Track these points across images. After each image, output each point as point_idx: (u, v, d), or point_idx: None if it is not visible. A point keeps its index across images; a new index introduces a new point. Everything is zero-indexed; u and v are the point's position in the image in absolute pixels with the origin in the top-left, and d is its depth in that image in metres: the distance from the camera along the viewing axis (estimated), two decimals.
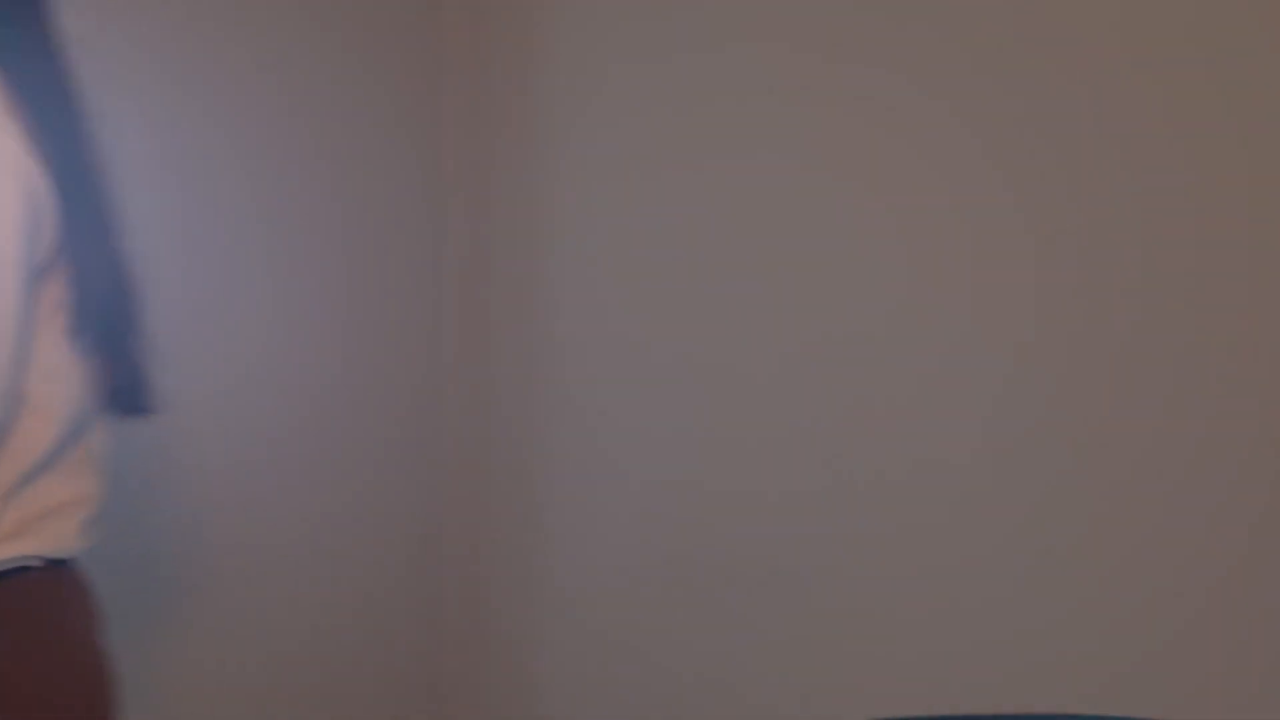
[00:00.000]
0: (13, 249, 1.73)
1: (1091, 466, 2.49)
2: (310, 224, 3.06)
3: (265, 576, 3.02)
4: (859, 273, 2.71)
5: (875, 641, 2.70)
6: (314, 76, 3.06)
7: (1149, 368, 2.44)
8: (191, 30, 2.92)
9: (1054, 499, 2.52)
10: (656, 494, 2.95)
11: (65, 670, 1.82)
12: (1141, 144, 2.44)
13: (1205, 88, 2.39)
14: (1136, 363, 2.45)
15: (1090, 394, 2.49)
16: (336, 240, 3.09)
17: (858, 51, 2.70)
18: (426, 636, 3.20)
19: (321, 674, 3.08)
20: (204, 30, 2.93)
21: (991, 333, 2.58)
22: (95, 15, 2.81)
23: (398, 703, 3.17)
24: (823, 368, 2.75)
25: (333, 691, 3.10)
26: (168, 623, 2.92)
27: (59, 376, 1.81)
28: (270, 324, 3.02)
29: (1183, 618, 2.42)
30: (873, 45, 2.69)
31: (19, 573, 1.80)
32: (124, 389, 1.91)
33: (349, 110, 3.10)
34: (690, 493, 2.91)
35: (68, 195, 1.79)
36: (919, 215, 2.65)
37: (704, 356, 2.89)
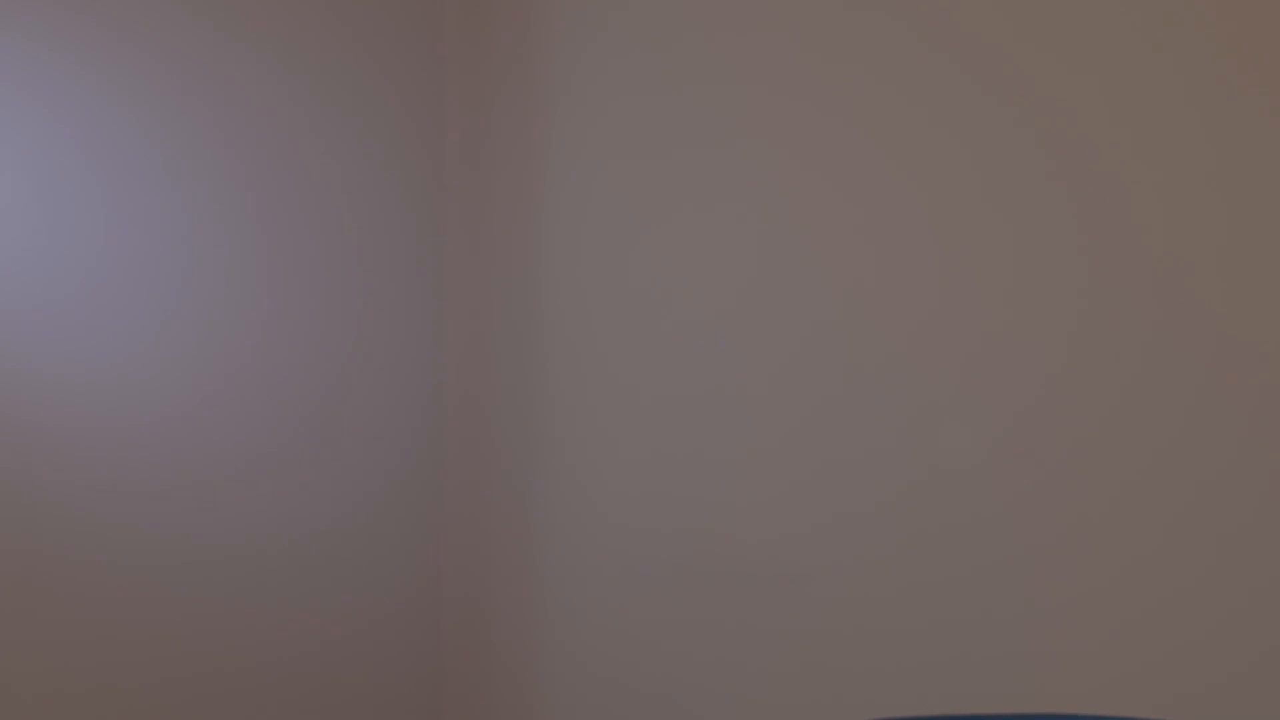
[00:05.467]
0: None
1: (1090, 465, 2.49)
2: (310, 230, 3.06)
3: (265, 580, 3.02)
4: (849, 282, 2.72)
5: (874, 643, 2.70)
6: (314, 83, 3.07)
7: (1147, 367, 2.45)
8: (191, 35, 2.92)
9: (1052, 498, 2.52)
10: (654, 496, 2.95)
11: None
12: (1134, 141, 2.45)
13: (1186, 88, 2.40)
14: (1134, 362, 2.46)
15: (1085, 393, 2.50)
16: (337, 246, 3.09)
17: (855, 69, 2.72)
18: (426, 641, 3.20)
19: (321, 678, 3.08)
20: (203, 34, 2.94)
21: (986, 333, 2.59)
22: (94, 18, 2.81)
23: (398, 706, 3.17)
24: (817, 373, 2.75)
25: (332, 695, 3.10)
26: (166, 626, 2.92)
27: None
28: (269, 330, 3.02)
29: (1181, 617, 2.42)
30: (871, 58, 2.70)
31: None
32: None
33: (350, 117, 3.11)
34: (689, 494, 2.91)
35: None
36: (914, 234, 2.66)
37: (700, 356, 2.89)
